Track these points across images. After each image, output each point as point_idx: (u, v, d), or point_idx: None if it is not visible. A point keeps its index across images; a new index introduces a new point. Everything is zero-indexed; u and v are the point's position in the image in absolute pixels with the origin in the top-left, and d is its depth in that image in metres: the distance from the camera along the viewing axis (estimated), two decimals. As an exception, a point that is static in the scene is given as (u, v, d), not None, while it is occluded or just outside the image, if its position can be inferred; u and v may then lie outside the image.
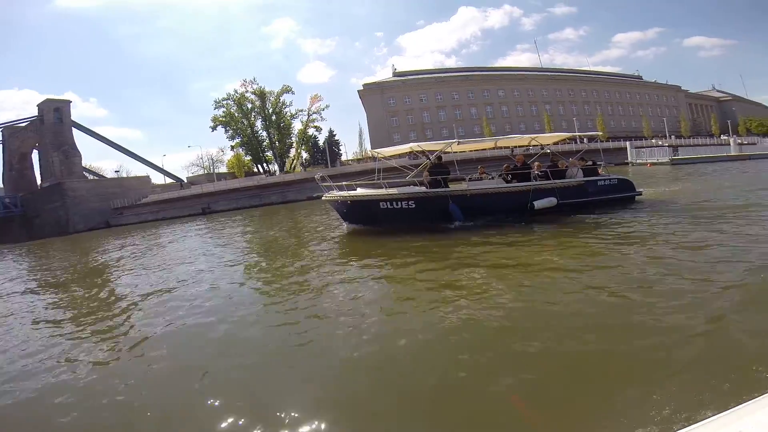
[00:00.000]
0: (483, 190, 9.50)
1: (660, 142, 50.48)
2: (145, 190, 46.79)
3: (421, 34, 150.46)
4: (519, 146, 12.11)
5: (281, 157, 66.18)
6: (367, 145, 66.72)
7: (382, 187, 9.46)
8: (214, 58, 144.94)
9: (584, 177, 10.09)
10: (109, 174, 56.33)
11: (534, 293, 4.38)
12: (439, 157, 10.32)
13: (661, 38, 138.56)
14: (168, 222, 34.15)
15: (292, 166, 67.42)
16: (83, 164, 48.85)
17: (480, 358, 3.07)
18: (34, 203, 42.50)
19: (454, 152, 12.94)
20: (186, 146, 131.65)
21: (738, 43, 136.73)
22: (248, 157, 64.93)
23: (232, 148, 64.44)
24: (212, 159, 68.36)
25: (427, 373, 2.96)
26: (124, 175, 54.65)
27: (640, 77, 79.03)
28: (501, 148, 12.82)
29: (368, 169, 33.99)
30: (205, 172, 63.95)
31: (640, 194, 10.73)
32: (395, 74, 70.46)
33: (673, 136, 58.11)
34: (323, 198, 10.39)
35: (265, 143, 65.55)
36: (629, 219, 8.36)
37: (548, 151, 11.55)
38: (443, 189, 9.22)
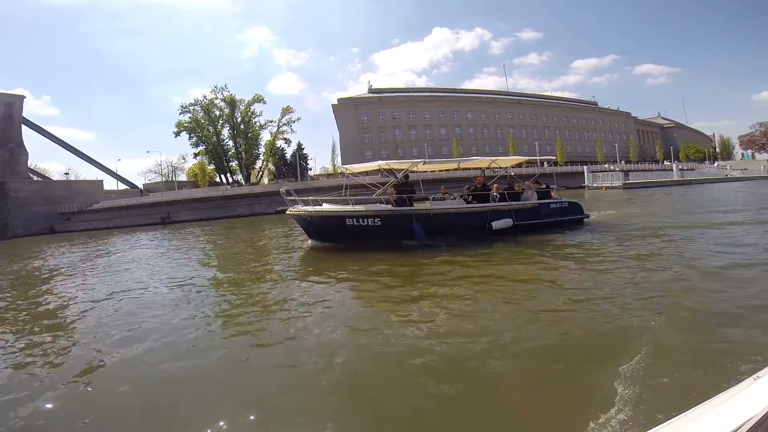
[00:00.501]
0: (445, 209, 9.81)
1: (612, 167, 54.19)
2: (97, 196, 43.87)
3: (396, 52, 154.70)
4: (479, 168, 12.62)
5: (247, 168, 64.52)
6: (339, 160, 66.68)
7: (349, 203, 9.49)
8: (180, 62, 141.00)
9: (538, 200, 10.64)
10: (56, 177, 52.43)
11: (493, 308, 4.55)
12: (406, 176, 10.54)
13: (616, 65, 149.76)
14: (122, 231, 31.96)
15: (258, 178, 65.87)
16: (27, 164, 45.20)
17: (445, 370, 3.14)
18: (-34, 205, 38.56)
19: (422, 171, 13.38)
20: (144, 152, 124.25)
21: (682, 71, 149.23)
22: (211, 166, 62.78)
23: (196, 155, 62.09)
24: (172, 166, 65.63)
25: (397, 393, 2.96)
26: (74, 179, 50.66)
27: (595, 103, 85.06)
28: (464, 169, 13.24)
29: (339, 184, 33.62)
30: (164, 179, 61.11)
31: (588, 217, 11.43)
32: (371, 91, 71.53)
33: (623, 161, 62.51)
34: (288, 212, 10.26)
35: (230, 152, 63.76)
36: (577, 239, 9.05)
37: (507, 173, 12.19)
38: (408, 207, 9.43)
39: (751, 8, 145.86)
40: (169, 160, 68.63)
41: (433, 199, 10.65)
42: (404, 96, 69.40)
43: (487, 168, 12.31)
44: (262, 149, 65.95)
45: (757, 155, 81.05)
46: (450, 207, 10.02)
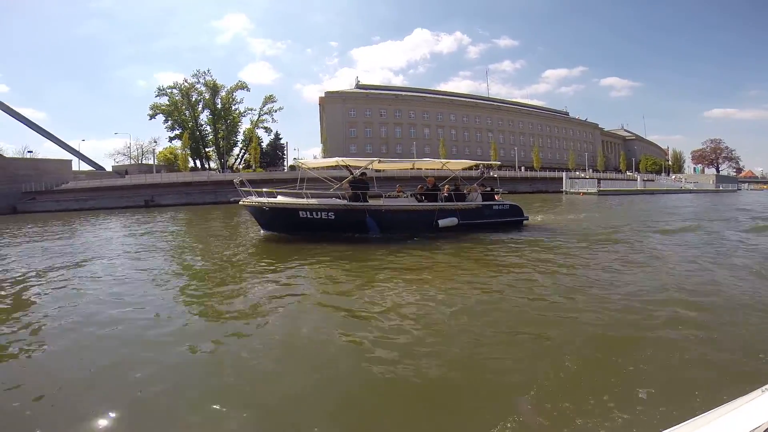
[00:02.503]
0: (396, 206, 10.36)
1: (583, 175, 57.89)
2: (65, 176, 40.48)
3: (375, 49, 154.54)
4: (433, 168, 13.58)
5: (225, 155, 61.95)
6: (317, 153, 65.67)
7: (304, 197, 9.74)
8: (148, 46, 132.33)
9: (483, 201, 11.31)
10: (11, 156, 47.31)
11: (436, 300, 4.77)
12: (363, 173, 10.96)
13: (584, 76, 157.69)
14: (96, 212, 29.64)
15: (234, 165, 63.47)
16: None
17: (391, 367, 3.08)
18: None
19: (382, 170, 14.18)
20: (105, 134, 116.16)
21: (643, 85, 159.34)
22: (186, 151, 59.63)
23: (171, 139, 58.87)
24: (143, 149, 61.56)
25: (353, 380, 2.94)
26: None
27: (567, 113, 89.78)
28: (418, 169, 14.02)
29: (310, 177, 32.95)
30: (134, 162, 57.21)
31: (527, 219, 12.15)
32: (358, 86, 71.33)
33: (591, 170, 66.89)
34: (240, 203, 10.32)
35: (209, 138, 60.95)
36: (513, 238, 9.65)
37: (457, 176, 12.71)
38: (362, 203, 9.92)
39: (708, 28, 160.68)
40: (140, 143, 64.28)
41: (388, 196, 11.28)
42: (392, 94, 69.88)
43: (439, 169, 12.93)
44: (240, 137, 63.93)
45: (706, 169, 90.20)
46: (401, 204, 10.62)
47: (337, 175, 12.25)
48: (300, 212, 9.54)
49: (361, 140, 65.06)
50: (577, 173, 60.80)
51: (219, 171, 53.61)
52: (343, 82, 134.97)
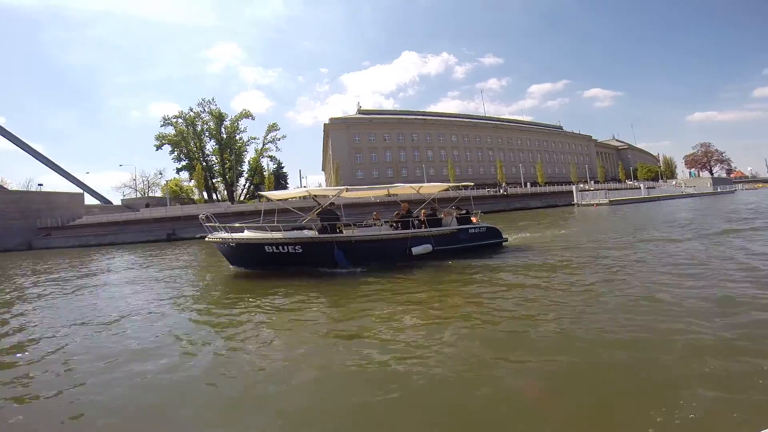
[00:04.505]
0: (366, 236, 9.74)
1: (588, 187, 59.24)
2: (78, 210, 39.45)
3: (365, 74, 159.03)
4: (408, 194, 13.05)
5: (231, 185, 61.49)
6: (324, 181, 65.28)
7: (279, 230, 9.37)
8: (141, 76, 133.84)
9: (458, 225, 10.85)
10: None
11: (410, 332, 4.68)
12: (331, 203, 10.74)
13: (567, 89, 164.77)
14: (119, 247, 28.71)
15: (240, 196, 62.92)
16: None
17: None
18: None
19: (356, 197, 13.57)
20: (102, 166, 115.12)
21: (625, 94, 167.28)
22: (192, 182, 58.99)
23: (179, 170, 58.25)
24: (149, 181, 60.73)
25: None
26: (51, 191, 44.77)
27: (561, 127, 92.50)
28: (394, 195, 13.54)
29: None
30: (141, 195, 56.24)
31: (506, 240, 11.71)
32: (360, 111, 72.56)
33: (592, 181, 68.48)
34: (207, 239, 9.97)
35: (216, 169, 60.57)
36: (492, 263, 9.05)
37: (433, 199, 12.15)
38: (329, 235, 9.37)
39: (682, 34, 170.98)
40: (144, 175, 63.43)
41: (364, 225, 10.85)
42: (394, 118, 71.22)
43: (416, 194, 12.56)
44: (246, 166, 63.69)
45: (700, 173, 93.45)
46: (371, 234, 9.98)
47: (307, 205, 11.72)
48: (265, 247, 9.10)
49: (366, 165, 65.48)
50: (583, 185, 62.24)
51: (229, 202, 52.95)
52: (336, 108, 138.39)
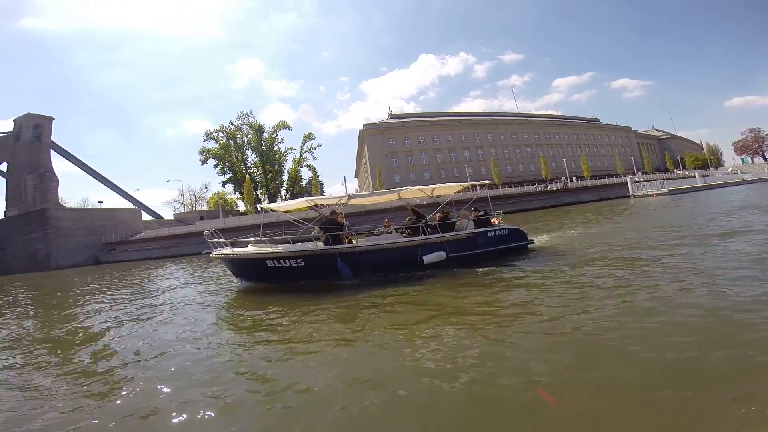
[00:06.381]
0: (371, 246, 9.01)
1: (636, 177, 56.68)
2: (137, 225, 40.50)
3: (384, 80, 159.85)
4: (421, 197, 11.71)
5: (273, 196, 62.31)
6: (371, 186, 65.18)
7: (287, 242, 8.98)
8: (170, 93, 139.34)
9: (476, 228, 9.80)
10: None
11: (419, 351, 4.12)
12: (333, 212, 9.92)
13: (593, 81, 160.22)
14: (182, 258, 29.03)
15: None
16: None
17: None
18: (-4, 234, 33.80)
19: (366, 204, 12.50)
20: (150, 182, 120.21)
21: (655, 83, 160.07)
22: (237, 195, 60.20)
23: (224, 183, 59.46)
24: (195, 196, 62.31)
25: None
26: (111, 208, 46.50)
27: (597, 120, 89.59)
28: (406, 199, 12.27)
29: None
30: (190, 209, 57.58)
31: (532, 243, 10.55)
32: (391, 116, 72.61)
33: (639, 172, 65.64)
34: (212, 255, 9.66)
35: (258, 180, 61.54)
36: (514, 270, 7.98)
37: (446, 202, 11.02)
38: (331, 246, 8.74)
39: (712, 17, 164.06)
40: (191, 190, 65.22)
41: (376, 233, 10.12)
42: (427, 120, 70.76)
43: (429, 196, 11.37)
44: (285, 176, 64.54)
45: (753, 159, 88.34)
46: (377, 243, 9.16)
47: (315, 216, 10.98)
48: (267, 261, 8.65)
49: (403, 169, 65.11)
50: (634, 177, 59.80)
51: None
52: (359, 116, 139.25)
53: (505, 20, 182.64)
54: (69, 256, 33.06)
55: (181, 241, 36.28)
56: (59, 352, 5.55)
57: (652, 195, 43.61)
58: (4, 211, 37.93)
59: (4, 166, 38.33)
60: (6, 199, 38.46)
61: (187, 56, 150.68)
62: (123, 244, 36.26)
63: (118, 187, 45.72)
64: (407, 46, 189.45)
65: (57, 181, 39.69)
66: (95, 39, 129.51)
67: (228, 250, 9.28)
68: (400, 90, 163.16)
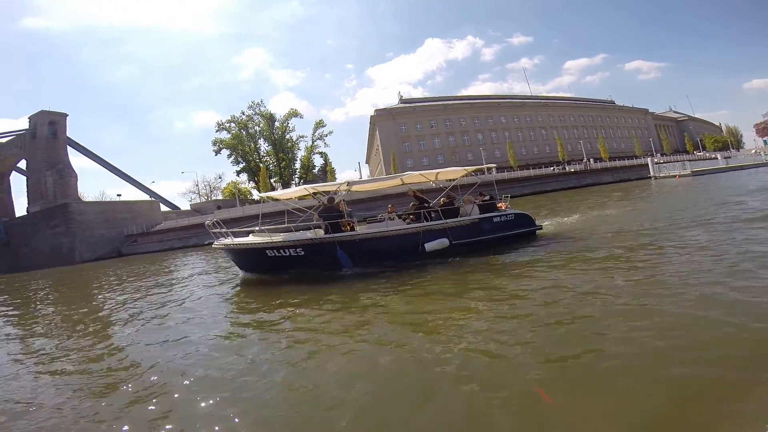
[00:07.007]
0: (371, 234, 8.68)
1: (655, 159, 55.26)
2: (157, 216, 40.79)
3: (390, 65, 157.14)
4: (426, 182, 11.34)
5: (287, 184, 62.30)
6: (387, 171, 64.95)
7: (289, 231, 8.83)
8: (177, 87, 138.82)
9: (481, 213, 9.36)
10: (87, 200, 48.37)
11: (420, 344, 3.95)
12: (331, 199, 9.55)
13: (606, 63, 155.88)
14: (198, 250, 29.20)
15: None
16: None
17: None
18: (19, 229, 34.31)
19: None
20: (163, 175, 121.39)
21: (671, 65, 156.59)
22: (251, 183, 60.33)
23: (238, 173, 59.56)
24: (210, 186, 62.55)
25: None
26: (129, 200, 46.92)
27: (613, 102, 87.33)
28: (408, 184, 11.61)
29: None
30: (206, 199, 57.90)
31: (540, 228, 10.12)
32: (402, 101, 71.50)
33: (659, 154, 64.11)
34: (213, 246, 9.49)
35: (271, 168, 61.42)
36: (520, 259, 7.49)
37: (454, 186, 10.48)
38: (330, 235, 8.43)
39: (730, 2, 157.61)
40: (206, 180, 65.56)
41: (378, 220, 9.81)
42: (439, 104, 69.63)
43: (434, 181, 11.08)
44: (298, 164, 64.38)
45: None
46: (377, 231, 8.80)
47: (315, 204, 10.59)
48: (267, 251, 8.41)
49: (416, 154, 64.54)
50: (654, 158, 58.43)
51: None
52: (366, 103, 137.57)
53: (512, 2, 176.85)
54: (92, 250, 33.53)
55: (201, 230, 36.42)
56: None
57: (675, 176, 42.67)
58: (27, 208, 38.50)
59: (23, 164, 38.86)
60: (27, 196, 38.97)
61: (192, 49, 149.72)
62: (144, 236, 36.63)
63: (134, 180, 46.03)
64: (413, 31, 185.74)
65: (75, 176, 40.04)
66: (99, 36, 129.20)
67: (228, 240, 9.05)
68: (407, 75, 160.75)
